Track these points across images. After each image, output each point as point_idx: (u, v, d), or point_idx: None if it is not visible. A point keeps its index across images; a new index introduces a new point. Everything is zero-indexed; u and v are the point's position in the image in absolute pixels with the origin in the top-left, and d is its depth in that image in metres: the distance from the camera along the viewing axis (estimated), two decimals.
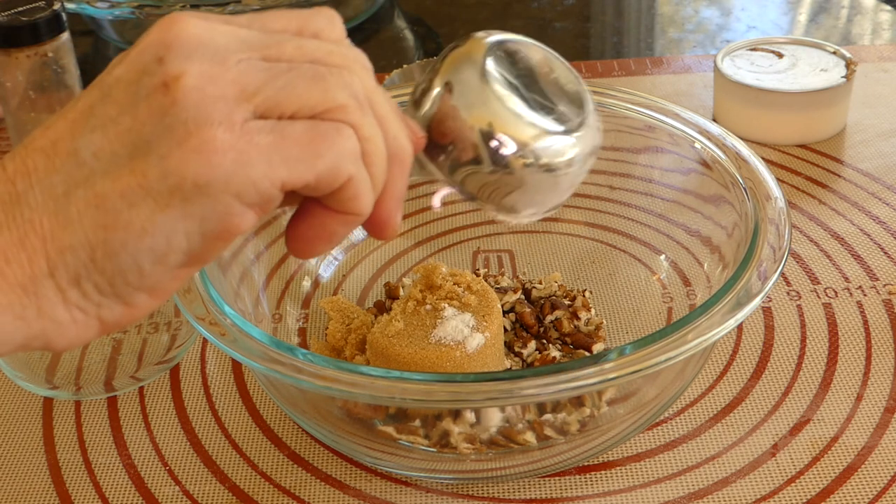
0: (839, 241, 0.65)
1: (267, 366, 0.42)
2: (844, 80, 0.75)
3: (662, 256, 0.60)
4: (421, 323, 0.49)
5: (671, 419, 0.53)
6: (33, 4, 0.60)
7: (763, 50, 0.81)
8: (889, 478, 0.49)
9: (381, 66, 0.96)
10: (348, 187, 0.33)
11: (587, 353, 0.54)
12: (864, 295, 0.60)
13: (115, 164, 0.31)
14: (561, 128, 0.39)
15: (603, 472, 0.50)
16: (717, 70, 0.78)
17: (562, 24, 1.03)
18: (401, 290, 0.60)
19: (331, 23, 0.35)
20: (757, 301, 0.44)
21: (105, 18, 0.98)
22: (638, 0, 1.10)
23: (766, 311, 0.59)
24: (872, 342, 0.57)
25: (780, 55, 0.80)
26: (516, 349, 0.54)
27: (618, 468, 0.50)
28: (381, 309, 0.59)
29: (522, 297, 0.58)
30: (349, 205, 0.34)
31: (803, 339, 0.57)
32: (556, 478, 0.50)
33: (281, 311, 0.58)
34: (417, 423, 0.48)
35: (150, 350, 0.57)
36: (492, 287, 0.54)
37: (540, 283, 0.60)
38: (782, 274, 0.62)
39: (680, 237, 0.59)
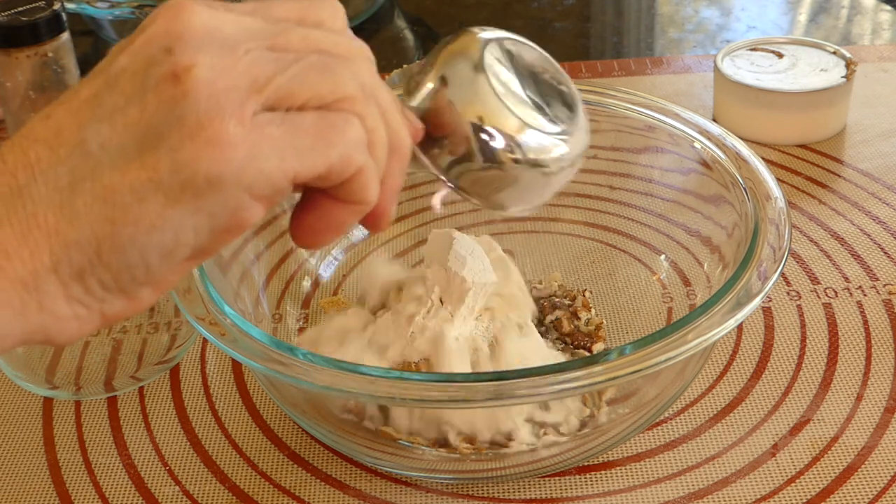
0: (839, 241, 0.65)
1: (267, 366, 0.42)
2: (844, 80, 0.75)
3: (662, 256, 0.60)
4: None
5: (671, 419, 0.53)
6: (33, 4, 0.60)
7: (763, 50, 0.81)
8: (889, 478, 0.49)
9: (382, 66, 0.95)
10: (358, 177, 0.33)
11: (587, 353, 0.54)
12: (864, 295, 0.60)
13: (124, 156, 0.30)
14: (554, 128, 0.39)
15: (603, 472, 0.50)
16: (717, 70, 0.78)
17: (562, 24, 1.03)
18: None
19: (333, 13, 0.35)
20: (757, 301, 0.44)
21: (105, 18, 0.98)
22: (638, 0, 1.10)
23: (766, 311, 0.59)
24: (872, 342, 0.57)
25: (780, 55, 0.80)
26: None
27: (618, 468, 0.50)
28: None
29: None
30: (358, 194, 0.34)
31: (803, 339, 0.57)
32: (556, 478, 0.50)
33: (281, 311, 0.58)
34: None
35: (150, 350, 0.57)
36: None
37: (540, 283, 0.60)
38: (782, 274, 0.62)
39: (680, 237, 0.59)
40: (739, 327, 0.58)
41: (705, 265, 0.56)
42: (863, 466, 0.49)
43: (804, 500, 0.48)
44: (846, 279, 0.62)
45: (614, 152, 0.62)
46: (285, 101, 0.31)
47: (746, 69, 0.78)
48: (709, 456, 0.50)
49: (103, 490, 0.50)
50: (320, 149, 0.32)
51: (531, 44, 0.41)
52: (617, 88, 0.58)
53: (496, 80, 0.38)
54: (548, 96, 0.40)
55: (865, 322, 0.58)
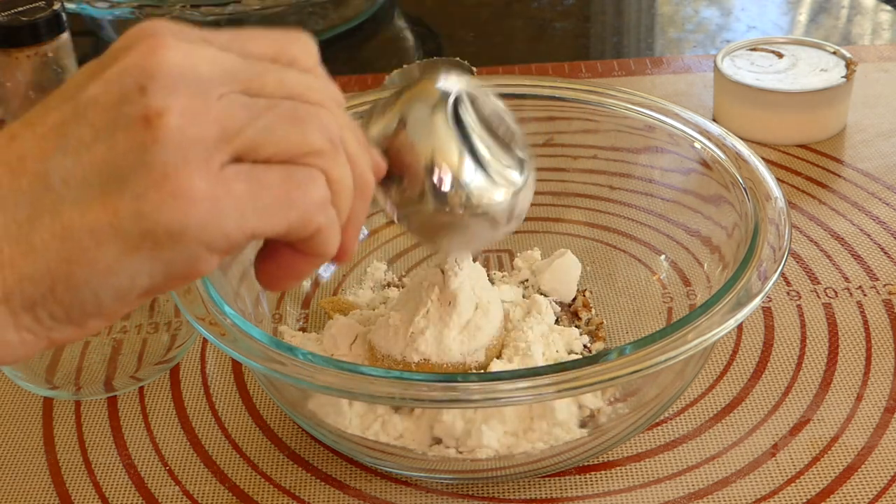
0: (839, 241, 0.65)
1: (267, 366, 0.42)
2: (844, 80, 0.75)
3: (662, 256, 0.60)
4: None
5: (671, 419, 0.53)
6: (33, 4, 0.60)
7: (763, 50, 0.81)
8: (889, 478, 0.49)
9: (381, 66, 0.96)
10: (317, 235, 0.34)
11: (587, 353, 0.55)
12: (864, 295, 0.60)
13: (86, 195, 0.30)
14: (505, 180, 0.41)
15: (603, 472, 0.50)
16: (717, 70, 0.78)
17: (562, 24, 1.03)
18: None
19: (306, 50, 0.35)
20: (757, 301, 0.44)
21: (105, 18, 0.98)
22: (638, 0, 1.10)
23: (766, 311, 0.59)
24: (872, 342, 0.57)
25: (780, 55, 0.80)
26: None
27: (618, 468, 0.50)
28: None
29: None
30: (317, 249, 0.34)
31: (803, 339, 0.57)
32: (556, 478, 0.50)
33: (281, 311, 0.58)
34: None
35: (150, 350, 0.57)
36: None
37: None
38: (782, 274, 0.62)
39: (680, 237, 0.59)
40: (739, 327, 0.58)
41: (705, 265, 0.56)
42: (863, 466, 0.49)
43: (804, 500, 0.48)
44: (846, 279, 0.62)
45: (614, 152, 0.62)
46: (253, 153, 0.31)
47: (746, 69, 0.78)
48: (709, 456, 0.50)
49: (103, 490, 0.50)
50: (281, 209, 0.32)
51: (494, 94, 0.42)
52: (617, 88, 0.58)
53: (455, 127, 0.39)
54: (502, 148, 0.41)
55: (865, 322, 0.58)
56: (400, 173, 0.39)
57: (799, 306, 0.60)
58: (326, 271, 0.62)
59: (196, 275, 0.32)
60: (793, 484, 0.49)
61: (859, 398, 0.53)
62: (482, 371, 0.49)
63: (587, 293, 0.59)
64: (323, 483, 0.50)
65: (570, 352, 0.54)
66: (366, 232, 0.64)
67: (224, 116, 0.31)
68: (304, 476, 0.51)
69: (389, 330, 0.49)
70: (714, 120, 0.67)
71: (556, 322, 0.56)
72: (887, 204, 0.69)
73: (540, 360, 0.51)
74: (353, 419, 0.48)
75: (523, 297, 0.58)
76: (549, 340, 0.53)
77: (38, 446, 0.53)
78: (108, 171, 0.30)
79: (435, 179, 0.39)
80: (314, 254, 0.34)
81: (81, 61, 0.65)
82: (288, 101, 0.32)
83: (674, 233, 0.59)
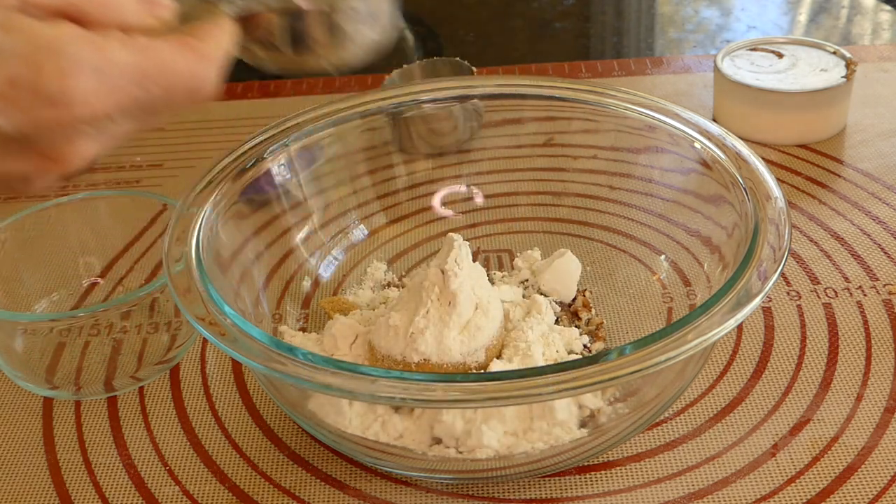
0: (839, 241, 0.65)
1: (267, 366, 0.42)
2: (844, 80, 0.75)
3: (662, 256, 0.60)
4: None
5: (671, 419, 0.53)
6: None
7: (763, 50, 0.81)
8: (889, 478, 0.49)
9: (381, 66, 0.96)
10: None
11: (587, 353, 0.55)
12: (864, 295, 0.60)
13: None
14: None
15: (603, 472, 0.50)
16: (717, 70, 0.78)
17: (562, 24, 1.03)
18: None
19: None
20: (757, 301, 0.44)
21: None
22: (638, 0, 1.10)
23: (766, 311, 0.59)
24: (872, 342, 0.57)
25: (780, 55, 0.80)
26: None
27: (618, 468, 0.50)
28: None
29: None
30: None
31: (803, 339, 0.57)
32: (556, 478, 0.50)
33: (281, 311, 0.58)
34: None
35: (150, 350, 0.57)
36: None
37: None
38: (782, 274, 0.62)
39: (680, 237, 0.59)
40: (739, 327, 0.58)
41: (705, 265, 0.56)
42: (863, 466, 0.49)
43: (804, 500, 0.48)
44: (846, 279, 0.62)
45: (614, 152, 0.62)
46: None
47: (746, 69, 0.78)
48: (709, 456, 0.50)
49: (103, 490, 0.50)
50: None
51: None
52: (617, 88, 0.58)
53: None
54: None
55: (865, 322, 0.58)
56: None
57: (799, 306, 0.60)
58: (326, 271, 0.62)
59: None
60: (793, 484, 0.49)
61: (859, 398, 0.53)
62: (482, 371, 0.49)
63: (587, 293, 0.59)
64: (323, 483, 0.50)
65: (570, 352, 0.54)
66: (366, 232, 0.64)
67: None
68: (304, 476, 0.51)
69: (389, 330, 0.49)
70: (714, 120, 0.67)
71: (556, 322, 0.56)
72: (887, 204, 0.69)
73: (540, 360, 0.51)
74: (353, 419, 0.48)
75: (523, 297, 0.58)
76: (549, 340, 0.53)
77: (38, 446, 0.53)
78: None
79: None
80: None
81: None
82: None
83: (674, 233, 0.59)
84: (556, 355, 0.52)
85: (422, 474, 0.49)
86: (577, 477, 0.50)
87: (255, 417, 0.54)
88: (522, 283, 0.59)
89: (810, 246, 0.65)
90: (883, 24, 1.00)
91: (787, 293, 0.61)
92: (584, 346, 0.55)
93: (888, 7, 1.02)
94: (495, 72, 0.89)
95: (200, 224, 0.50)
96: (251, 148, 0.56)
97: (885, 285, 0.61)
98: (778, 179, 0.52)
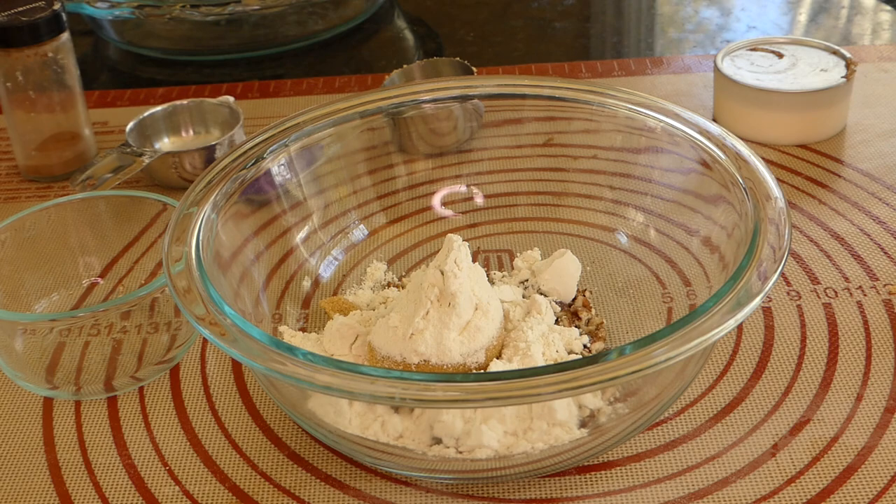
0: (839, 241, 0.65)
1: (267, 366, 0.42)
2: (844, 80, 0.75)
3: (662, 257, 0.60)
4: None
5: (671, 419, 0.53)
6: (33, 4, 0.60)
7: (763, 50, 0.81)
8: (889, 478, 0.49)
9: (381, 66, 0.96)
10: None
11: (587, 353, 0.55)
12: (864, 295, 0.60)
13: None
14: None
15: (603, 472, 0.50)
16: (717, 70, 0.78)
17: (562, 24, 1.03)
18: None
19: None
20: (757, 301, 0.44)
21: (105, 18, 0.98)
22: (638, 0, 1.10)
23: (766, 311, 0.59)
24: (872, 342, 0.57)
25: (780, 55, 0.80)
26: None
27: (618, 468, 0.50)
28: None
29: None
30: None
31: (803, 339, 0.57)
32: (556, 478, 0.50)
33: (281, 311, 0.58)
34: None
35: (150, 350, 0.57)
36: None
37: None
38: (782, 274, 0.62)
39: (680, 237, 0.59)
40: (739, 327, 0.58)
41: (705, 265, 0.56)
42: (863, 466, 0.49)
43: (804, 500, 0.48)
44: (846, 279, 0.62)
45: (614, 152, 0.62)
46: None
47: (746, 69, 0.78)
48: (709, 456, 0.50)
49: (103, 490, 0.50)
50: None
51: None
52: (617, 88, 0.58)
53: None
54: None
55: (865, 322, 0.58)
56: None
57: (799, 306, 0.60)
58: (326, 271, 0.62)
59: None
60: (793, 484, 0.49)
61: (859, 398, 0.53)
62: (482, 371, 0.49)
63: (587, 293, 0.59)
64: (323, 483, 0.50)
65: (570, 352, 0.54)
66: (366, 232, 0.64)
67: None
68: (304, 476, 0.51)
69: (389, 331, 0.49)
70: (714, 120, 0.67)
71: (556, 322, 0.56)
72: (887, 204, 0.69)
73: (540, 360, 0.51)
74: (352, 419, 0.48)
75: (523, 297, 0.58)
76: (549, 340, 0.53)
77: (38, 446, 0.53)
78: None
79: None
80: None
81: (81, 61, 0.65)
82: None
83: (674, 233, 0.59)
84: (556, 355, 0.52)
85: (422, 474, 0.49)
86: (577, 477, 0.50)
87: (255, 417, 0.54)
88: (522, 283, 0.59)
89: (810, 246, 0.65)
90: (883, 24, 1.00)
91: (787, 293, 0.61)
92: (584, 346, 0.55)
93: (888, 7, 1.02)
94: (495, 72, 0.89)
95: (200, 224, 0.50)
96: (251, 148, 0.56)
97: (885, 285, 0.61)
98: (778, 179, 0.52)
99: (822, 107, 0.75)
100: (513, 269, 0.62)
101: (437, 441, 0.48)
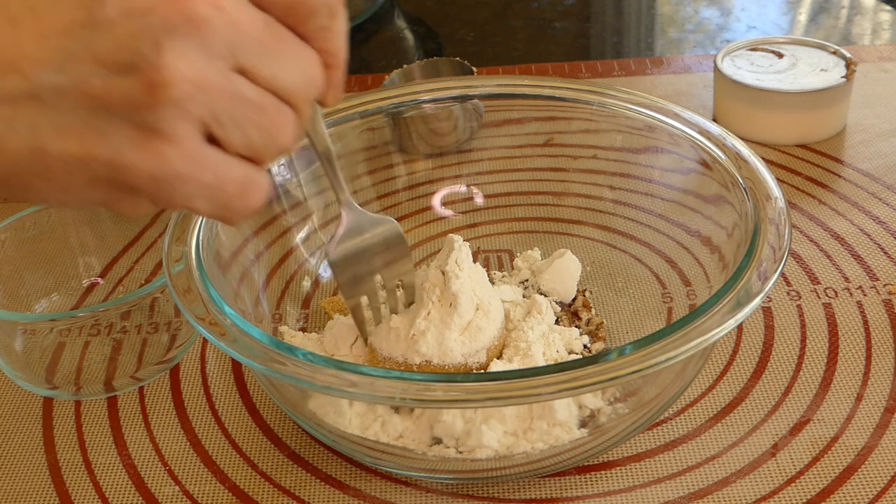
0: (839, 241, 0.65)
1: (267, 366, 0.42)
2: (844, 80, 0.75)
3: (662, 257, 0.60)
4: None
5: (671, 419, 0.53)
6: None
7: (763, 50, 0.81)
8: (889, 478, 0.49)
9: (382, 66, 0.96)
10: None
11: (587, 353, 0.55)
12: (864, 295, 0.60)
13: (69, 122, 0.31)
14: None
15: (603, 472, 0.50)
16: (717, 70, 0.78)
17: (562, 24, 1.03)
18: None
19: (331, 17, 0.35)
20: (757, 301, 0.44)
21: None
22: (638, 0, 1.10)
23: (766, 311, 0.59)
24: (872, 342, 0.57)
25: (780, 55, 0.80)
26: None
27: (618, 468, 0.50)
28: None
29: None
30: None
31: (803, 339, 0.57)
32: (556, 478, 0.50)
33: (281, 311, 0.58)
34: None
35: (150, 350, 0.57)
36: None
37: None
38: (782, 274, 0.62)
39: (680, 237, 0.59)
40: (739, 327, 0.58)
41: (705, 265, 0.56)
42: (863, 466, 0.49)
43: (804, 500, 0.48)
44: (846, 279, 0.62)
45: (614, 152, 0.62)
46: (225, 139, 0.33)
47: (746, 69, 0.78)
48: (709, 456, 0.50)
49: (103, 490, 0.50)
50: (223, 209, 0.35)
51: None
52: (617, 88, 0.58)
53: None
54: None
55: (865, 322, 0.58)
56: None
57: (799, 306, 0.60)
58: (327, 271, 0.62)
59: (131, 211, 0.34)
60: (793, 484, 0.49)
61: (859, 398, 0.53)
62: (483, 371, 0.49)
63: (587, 293, 0.59)
64: (323, 483, 0.50)
65: (570, 352, 0.54)
66: None
67: (215, 100, 0.32)
68: (304, 476, 0.51)
69: (391, 332, 0.49)
70: (714, 120, 0.67)
71: (556, 322, 0.56)
72: (887, 204, 0.69)
73: (540, 360, 0.51)
74: (353, 419, 0.48)
75: (523, 297, 0.58)
76: (549, 340, 0.53)
77: (38, 446, 0.53)
78: (98, 108, 0.31)
79: None
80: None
81: None
82: (272, 103, 0.34)
83: (674, 233, 0.59)
84: (556, 355, 0.52)
85: (422, 474, 0.49)
86: (577, 477, 0.50)
87: (255, 417, 0.54)
88: (522, 283, 0.59)
89: (810, 246, 0.65)
90: (883, 24, 1.00)
91: (787, 293, 0.61)
92: (584, 346, 0.54)
93: (888, 7, 1.02)
94: (495, 72, 0.89)
95: (200, 224, 0.50)
96: None
97: (885, 285, 0.61)
98: (778, 179, 0.52)
99: (822, 107, 0.75)
100: (513, 269, 0.62)
101: (438, 441, 0.48)
